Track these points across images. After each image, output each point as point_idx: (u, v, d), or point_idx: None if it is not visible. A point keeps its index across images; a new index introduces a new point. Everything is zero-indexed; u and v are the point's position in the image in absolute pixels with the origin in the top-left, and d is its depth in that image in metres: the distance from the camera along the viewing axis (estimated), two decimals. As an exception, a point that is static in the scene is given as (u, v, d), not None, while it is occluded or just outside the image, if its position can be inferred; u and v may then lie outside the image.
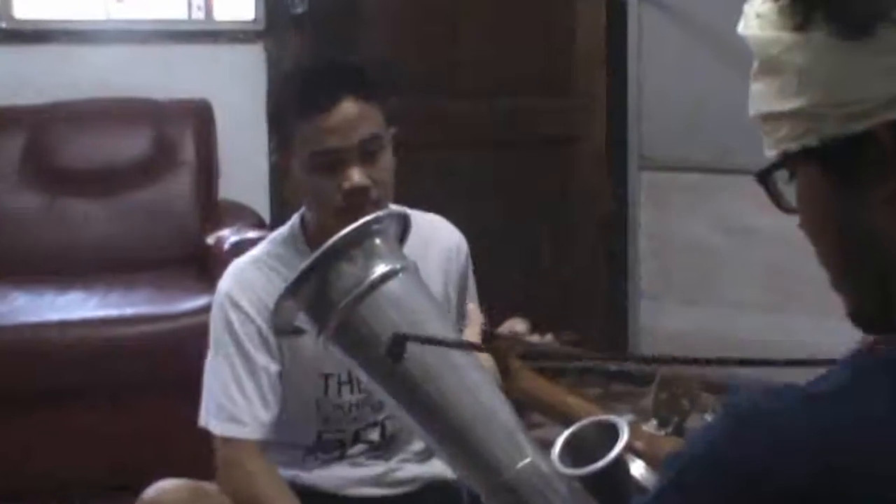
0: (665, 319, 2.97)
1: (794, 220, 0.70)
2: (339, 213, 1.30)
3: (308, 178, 1.35)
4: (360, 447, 1.45)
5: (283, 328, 1.25)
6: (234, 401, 1.34)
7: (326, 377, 1.42)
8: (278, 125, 1.39)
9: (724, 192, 2.81)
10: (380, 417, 1.45)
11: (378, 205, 1.31)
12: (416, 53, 2.94)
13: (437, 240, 1.45)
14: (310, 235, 1.40)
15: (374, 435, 1.45)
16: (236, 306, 1.36)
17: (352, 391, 1.42)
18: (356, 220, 0.95)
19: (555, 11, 3.00)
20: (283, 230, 1.44)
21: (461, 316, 1.39)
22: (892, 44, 0.61)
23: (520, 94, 2.98)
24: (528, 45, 2.98)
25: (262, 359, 1.35)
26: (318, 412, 1.43)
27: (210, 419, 1.36)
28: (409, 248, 1.03)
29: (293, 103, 1.34)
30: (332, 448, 1.45)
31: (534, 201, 3.04)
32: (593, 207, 3.05)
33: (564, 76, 3.00)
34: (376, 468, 1.46)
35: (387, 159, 1.35)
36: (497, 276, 2.94)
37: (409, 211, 1.39)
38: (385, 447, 1.46)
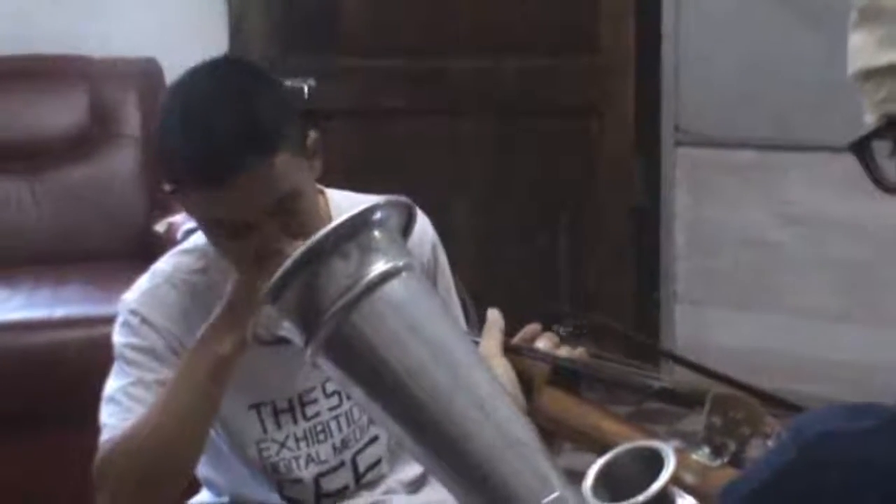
0: (708, 330, 2.97)
1: (876, 206, 0.70)
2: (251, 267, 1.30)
3: (209, 236, 1.35)
4: (330, 498, 1.46)
5: (264, 339, 1.24)
6: (121, 405, 1.37)
7: (258, 407, 1.43)
8: (167, 168, 1.36)
9: (785, 172, 2.80)
10: (347, 456, 1.46)
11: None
12: (410, 7, 2.93)
13: None
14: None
15: (341, 480, 1.46)
16: (144, 322, 1.39)
17: (294, 421, 1.43)
18: None
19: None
20: (198, 240, 1.43)
21: None
22: None
23: (533, 52, 2.97)
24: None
25: (167, 373, 1.36)
26: (261, 459, 1.44)
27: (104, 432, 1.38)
28: None
29: (180, 158, 1.32)
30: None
31: (549, 184, 3.03)
32: (620, 192, 3.03)
33: (586, 30, 2.98)
34: (358, 501, 1.47)
35: (306, 204, 1.34)
36: (504, 276, 2.96)
37: (359, 198, 1.40)
38: (367, 485, 1.47)
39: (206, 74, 1.36)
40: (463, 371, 0.91)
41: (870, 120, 0.68)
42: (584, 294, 3.02)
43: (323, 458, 1.45)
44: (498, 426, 0.91)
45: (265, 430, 1.43)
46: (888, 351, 2.59)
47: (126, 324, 1.40)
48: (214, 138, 1.29)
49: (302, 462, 1.45)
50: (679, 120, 2.98)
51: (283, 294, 0.89)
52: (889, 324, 2.59)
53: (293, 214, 1.31)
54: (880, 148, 0.68)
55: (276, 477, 1.45)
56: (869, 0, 0.66)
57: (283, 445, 1.44)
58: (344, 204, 1.43)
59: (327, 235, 0.89)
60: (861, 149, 0.68)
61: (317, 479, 1.45)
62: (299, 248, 0.88)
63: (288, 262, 0.88)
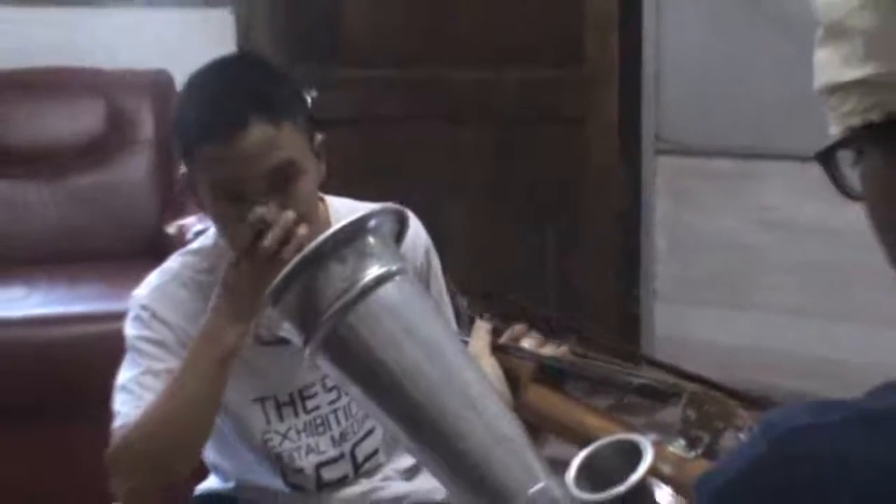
0: (685, 327, 2.96)
1: (844, 211, 0.70)
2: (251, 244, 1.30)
3: (212, 204, 1.35)
4: (331, 487, 1.46)
5: (265, 339, 1.24)
6: (133, 393, 1.37)
7: (262, 401, 1.43)
8: (180, 139, 1.36)
9: (760, 180, 2.79)
10: (346, 448, 1.45)
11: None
12: (406, 18, 2.93)
13: None
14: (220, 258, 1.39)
15: (340, 471, 1.46)
16: (154, 317, 1.39)
17: (295, 413, 1.44)
18: None
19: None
20: (204, 241, 1.45)
21: None
22: None
23: (523, 64, 2.97)
24: (533, 11, 2.96)
25: (175, 363, 1.37)
26: (265, 448, 1.44)
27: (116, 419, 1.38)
28: None
29: (194, 122, 1.33)
30: (300, 495, 1.46)
31: (538, 189, 3.03)
32: (605, 197, 3.03)
33: (572, 43, 2.97)
34: (356, 488, 1.47)
35: (305, 183, 1.33)
36: (497, 274, 2.96)
37: (357, 205, 1.40)
38: (365, 473, 1.47)
39: (220, 61, 1.38)
40: (454, 370, 0.91)
41: (835, 132, 0.68)
42: (571, 291, 3.02)
43: (322, 449, 1.45)
44: (487, 422, 0.91)
45: (269, 422, 1.43)
46: (857, 346, 2.59)
47: (137, 318, 1.40)
48: (223, 100, 1.31)
49: (303, 452, 1.44)
50: (660, 130, 2.97)
51: (283, 297, 0.89)
52: (857, 321, 2.59)
53: (289, 190, 1.31)
54: (844, 158, 0.68)
55: (280, 465, 1.45)
56: (834, 19, 0.66)
57: (285, 437, 1.44)
58: (342, 211, 1.42)
59: (325, 241, 0.89)
60: (827, 158, 0.68)
61: (317, 468, 1.45)
62: (299, 254, 0.88)
63: (288, 267, 0.88)
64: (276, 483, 1.46)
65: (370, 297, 0.88)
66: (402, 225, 0.98)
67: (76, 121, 2.80)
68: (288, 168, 1.31)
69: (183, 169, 1.38)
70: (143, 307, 1.40)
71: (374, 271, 0.89)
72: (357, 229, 0.91)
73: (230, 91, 1.33)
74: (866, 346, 2.46)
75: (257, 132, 1.29)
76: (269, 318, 0.91)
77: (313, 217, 1.33)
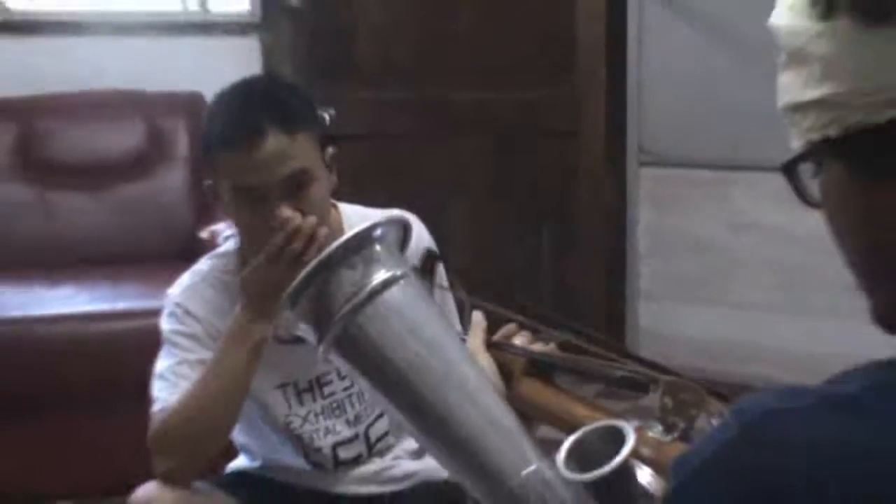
0: (666, 322, 2.95)
1: (807, 217, 0.69)
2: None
3: (235, 210, 1.35)
4: (347, 465, 1.46)
5: (284, 339, 1.23)
6: (169, 381, 1.37)
7: (283, 388, 1.43)
8: (206, 151, 1.37)
9: (733, 188, 2.78)
10: (360, 429, 1.45)
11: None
12: (415, 45, 2.93)
13: None
14: (247, 259, 1.39)
15: (355, 450, 1.45)
16: (187, 313, 1.40)
17: (314, 399, 1.44)
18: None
19: (555, 2, 2.97)
20: (229, 245, 1.45)
21: None
22: None
23: (519, 84, 2.96)
24: (527, 36, 2.96)
25: (206, 354, 1.37)
26: (288, 430, 1.44)
27: (155, 404, 1.39)
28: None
29: (218, 133, 1.33)
30: (320, 472, 1.46)
31: (534, 196, 3.02)
32: (594, 204, 3.02)
33: (565, 67, 2.97)
34: (370, 466, 1.47)
35: (317, 189, 1.33)
36: (496, 273, 2.95)
37: (369, 212, 1.41)
38: (378, 453, 1.47)
39: (243, 81, 1.39)
40: (454, 365, 0.90)
41: (796, 146, 0.67)
42: (564, 289, 3.01)
43: (339, 430, 1.44)
44: (484, 411, 0.90)
45: (290, 407, 1.43)
46: (818, 338, 2.58)
47: (172, 314, 1.40)
48: (243, 113, 1.31)
49: (321, 434, 1.44)
50: (642, 143, 2.96)
51: (299, 300, 0.88)
52: (818, 315, 2.58)
53: (302, 194, 1.31)
54: (806, 169, 0.68)
55: (301, 445, 1.45)
56: (795, 46, 0.66)
57: (305, 420, 1.44)
58: (353, 216, 1.43)
59: (336, 249, 0.88)
60: (790, 170, 0.68)
61: (334, 448, 1.45)
62: (312, 262, 0.88)
63: (302, 274, 0.87)
64: (299, 462, 1.46)
65: (377, 300, 0.87)
66: (405, 234, 0.97)
67: (121, 138, 2.80)
68: (301, 175, 1.30)
69: (209, 180, 1.38)
70: (177, 304, 1.41)
71: (380, 276, 0.89)
72: (365, 238, 0.90)
73: (250, 105, 1.33)
74: (826, 338, 2.45)
75: (273, 142, 1.29)
76: (287, 319, 0.90)
77: (325, 221, 1.33)
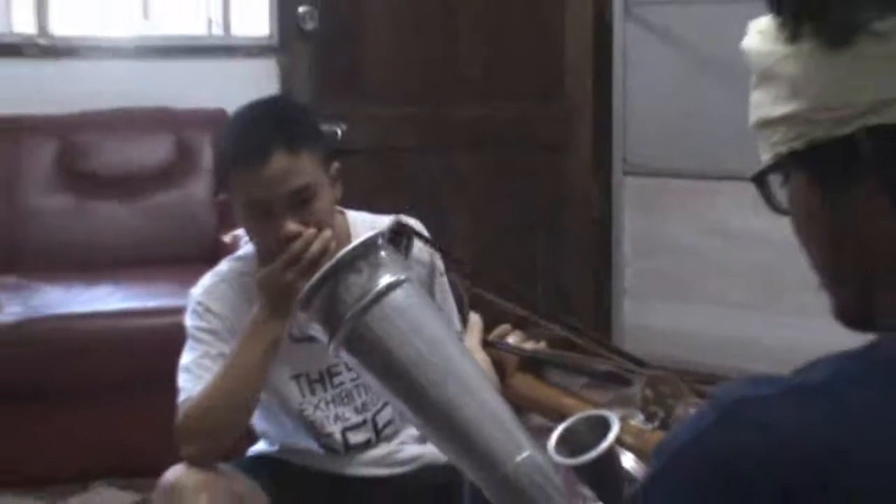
0: (649, 318, 2.94)
1: (777, 223, 0.69)
2: (277, 254, 1.32)
3: (245, 221, 1.36)
4: (357, 449, 1.45)
5: (297, 337, 1.23)
6: (194, 373, 1.38)
7: (297, 378, 1.43)
8: (220, 168, 1.40)
9: (708, 196, 2.78)
10: (368, 416, 1.45)
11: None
12: (419, 66, 2.93)
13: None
14: (265, 262, 1.39)
15: (363, 435, 1.45)
16: (208, 311, 1.40)
17: (324, 388, 1.44)
18: None
19: (546, 26, 2.97)
20: (248, 249, 1.45)
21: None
22: (870, 53, 0.61)
23: (514, 101, 2.96)
24: (521, 57, 2.95)
25: (226, 348, 1.37)
26: (302, 417, 1.44)
27: (181, 394, 1.39)
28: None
29: (230, 153, 1.35)
30: (332, 455, 1.46)
31: (528, 204, 3.01)
32: (583, 210, 3.02)
33: (556, 85, 2.97)
34: (378, 451, 1.46)
35: (321, 202, 1.34)
36: (494, 274, 2.94)
37: (374, 218, 1.41)
38: (385, 438, 1.47)
39: (254, 102, 1.39)
40: (453, 361, 0.90)
41: (766, 158, 0.67)
42: (556, 287, 3.00)
43: (348, 416, 1.44)
44: (481, 403, 0.90)
45: (303, 395, 1.43)
46: (787, 332, 2.57)
47: (194, 311, 1.41)
48: (251, 135, 1.32)
49: (332, 420, 1.44)
50: (627, 155, 2.96)
51: (311, 302, 0.88)
52: (787, 312, 2.58)
53: (306, 207, 1.31)
54: (775, 180, 0.67)
55: (314, 431, 1.44)
56: (765, 67, 0.66)
57: (316, 407, 1.43)
58: (359, 223, 1.43)
59: (344, 256, 0.88)
60: (760, 180, 0.68)
61: (343, 432, 1.44)
62: (322, 268, 0.87)
63: (314, 278, 0.87)
64: (312, 445, 1.45)
65: (383, 301, 0.87)
66: (408, 240, 0.97)
67: (151, 151, 2.80)
68: (305, 191, 1.31)
69: (222, 195, 1.39)
70: (198, 303, 1.41)
71: (385, 280, 0.89)
72: (370, 245, 0.90)
73: (258, 127, 1.34)
74: (794, 333, 2.44)
75: (278, 161, 1.29)
76: (300, 320, 0.90)
77: (327, 224, 1.34)
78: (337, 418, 1.44)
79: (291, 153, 1.31)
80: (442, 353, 0.89)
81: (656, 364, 1.04)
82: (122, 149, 2.79)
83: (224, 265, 1.45)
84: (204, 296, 1.41)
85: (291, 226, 1.30)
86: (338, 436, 1.44)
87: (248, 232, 1.38)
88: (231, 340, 1.37)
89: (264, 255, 1.35)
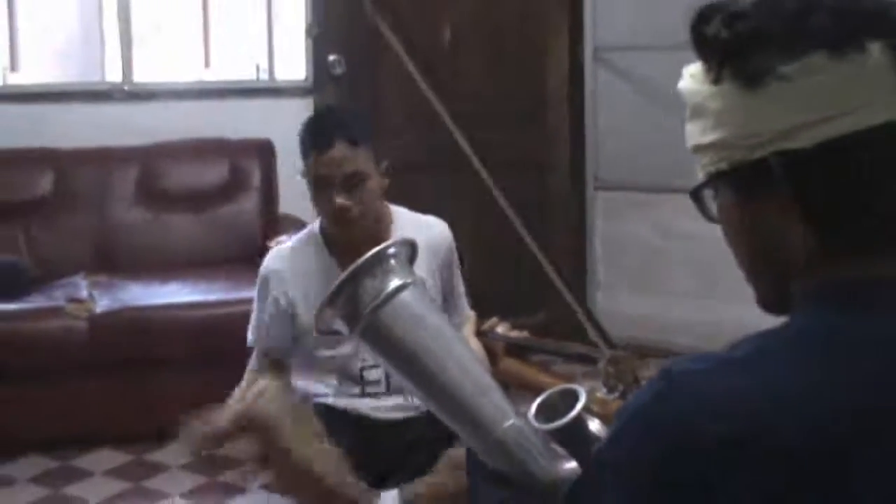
0: (617, 306, 2.94)
1: (719, 227, 0.69)
2: (332, 222, 1.43)
3: (313, 193, 1.45)
4: (372, 386, 1.49)
5: (324, 330, 1.25)
6: (253, 328, 1.48)
7: (326, 338, 1.46)
8: (301, 153, 1.47)
9: (664, 206, 2.78)
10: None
11: (359, 220, 1.41)
12: (426, 102, 2.93)
13: (426, 237, 1.49)
14: (324, 234, 1.49)
15: (378, 374, 1.48)
16: (265, 280, 1.49)
17: (340, 343, 1.48)
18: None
19: (530, 66, 2.95)
20: (311, 227, 1.54)
21: (450, 293, 1.49)
22: (778, 92, 0.62)
23: (504, 128, 2.95)
24: (509, 91, 2.95)
25: (273, 310, 1.46)
26: (331, 361, 1.49)
27: (249, 337, 1.50)
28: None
29: (306, 140, 1.45)
30: (351, 385, 1.50)
31: (516, 214, 3.00)
32: (563, 218, 3.02)
33: (538, 115, 2.97)
34: (393, 400, 1.49)
35: (369, 187, 1.43)
36: (489, 272, 2.94)
37: (412, 214, 1.51)
38: (395, 389, 1.49)
39: (329, 106, 1.58)
40: (452, 348, 0.91)
41: (700, 177, 0.68)
42: (541, 282, 2.99)
43: (365, 358, 1.48)
44: (474, 381, 0.91)
45: (332, 348, 1.47)
46: (725, 316, 2.56)
47: (257, 281, 1.51)
48: (321, 128, 1.43)
49: (354, 362, 1.48)
50: (598, 173, 2.96)
51: (336, 301, 0.89)
52: (726, 299, 2.57)
53: (356, 189, 1.40)
54: (708, 194, 0.68)
55: (338, 373, 1.49)
56: (695, 102, 0.66)
57: (337, 352, 1.48)
58: (402, 216, 1.52)
59: (362, 265, 0.89)
60: (696, 194, 0.68)
61: (361, 371, 1.49)
62: (344, 273, 0.88)
63: (338, 281, 0.88)
64: (333, 384, 1.49)
65: (394, 300, 0.88)
66: (413, 251, 0.98)
67: (211, 173, 2.82)
68: (357, 175, 1.40)
69: (303, 171, 1.46)
70: (260, 274, 1.50)
71: (395, 283, 0.89)
72: (382, 255, 0.91)
73: (326, 122, 1.45)
74: (731, 316, 2.43)
75: (339, 149, 1.39)
76: (326, 315, 0.91)
77: (373, 211, 1.43)
78: (352, 357, 1.48)
79: (350, 144, 1.40)
80: (442, 342, 0.90)
81: (624, 344, 1.04)
82: (189, 172, 2.82)
83: (294, 239, 1.54)
84: (265, 265, 1.50)
85: (341, 200, 1.39)
86: (355, 372, 1.47)
87: (314, 203, 1.46)
88: (284, 289, 1.45)
89: (324, 221, 1.46)
